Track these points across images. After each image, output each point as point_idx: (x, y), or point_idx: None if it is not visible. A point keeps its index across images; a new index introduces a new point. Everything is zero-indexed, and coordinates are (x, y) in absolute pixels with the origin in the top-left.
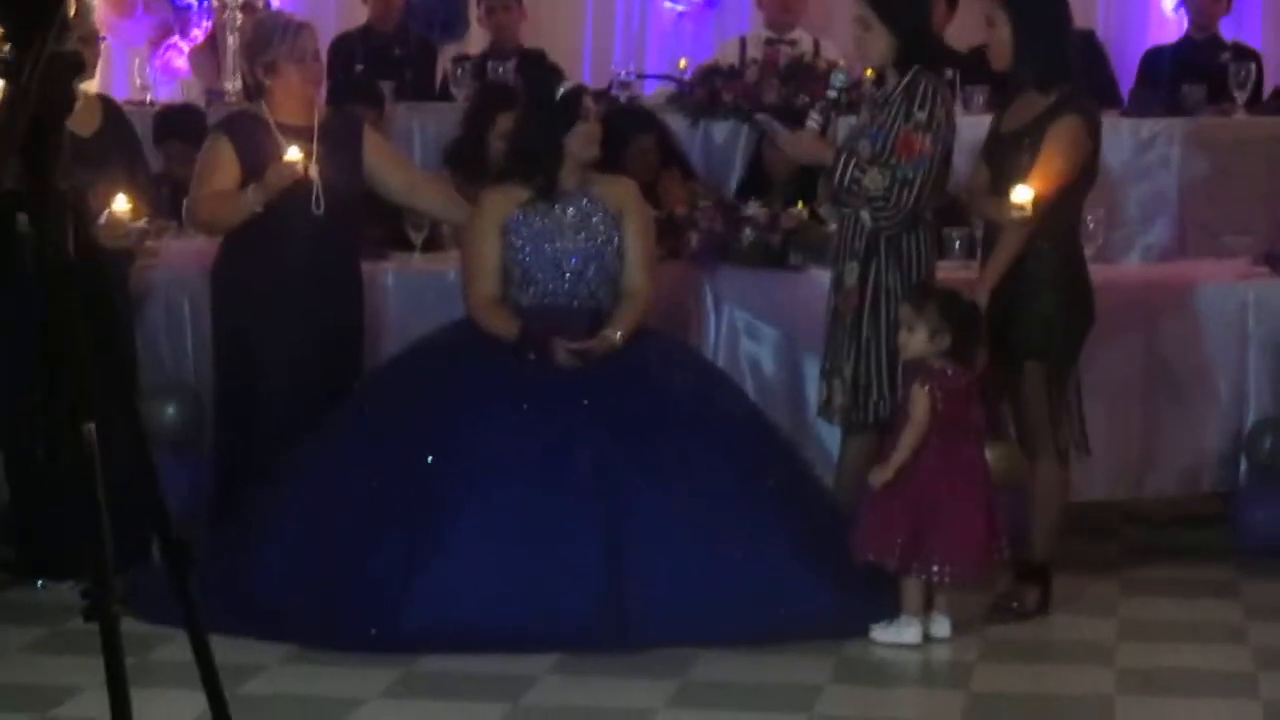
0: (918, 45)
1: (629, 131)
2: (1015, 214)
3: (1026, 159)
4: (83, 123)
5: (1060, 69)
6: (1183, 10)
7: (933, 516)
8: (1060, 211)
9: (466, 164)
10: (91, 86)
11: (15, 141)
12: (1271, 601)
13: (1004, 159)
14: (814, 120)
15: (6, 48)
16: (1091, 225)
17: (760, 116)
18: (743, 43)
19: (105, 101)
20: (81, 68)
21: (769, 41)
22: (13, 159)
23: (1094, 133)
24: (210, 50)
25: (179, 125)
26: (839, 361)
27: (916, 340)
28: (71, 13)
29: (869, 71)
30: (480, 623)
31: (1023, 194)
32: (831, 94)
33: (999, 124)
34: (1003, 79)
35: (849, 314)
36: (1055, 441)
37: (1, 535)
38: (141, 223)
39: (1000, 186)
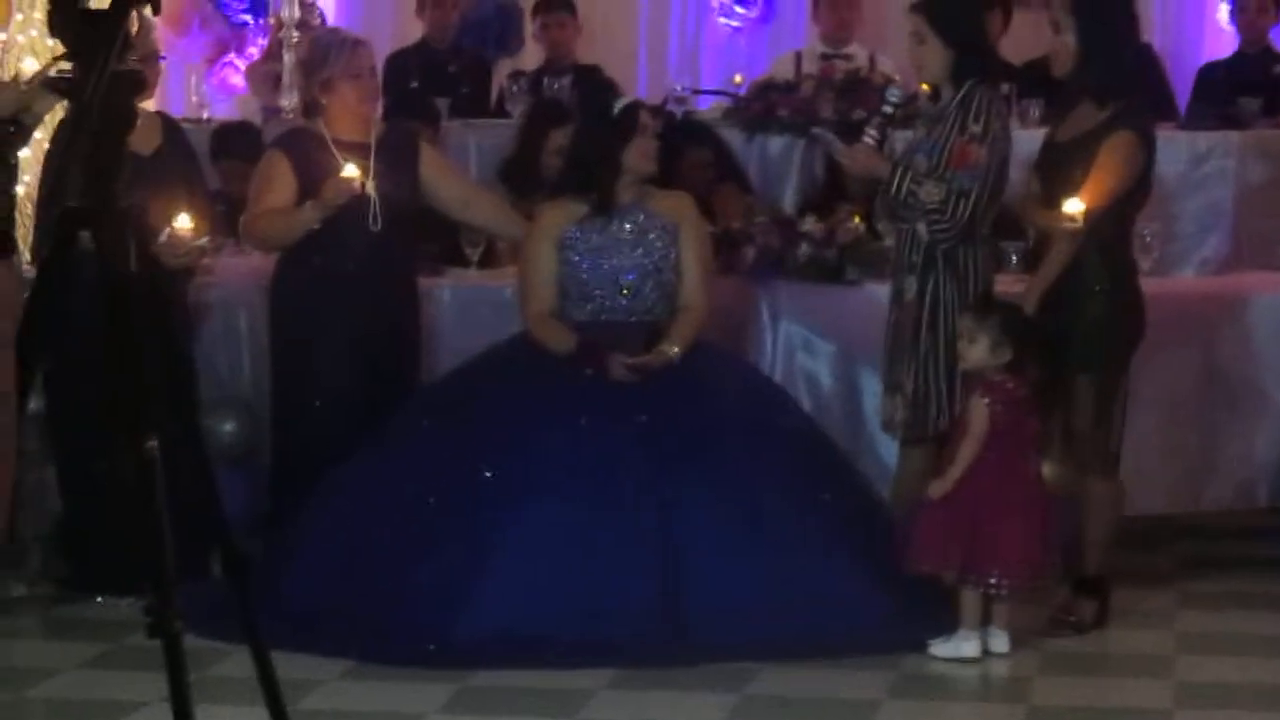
0: (973, 58)
1: (684, 145)
2: (1067, 225)
3: (1079, 171)
4: (143, 141)
5: (1120, 82)
6: (1234, 22)
7: (990, 528)
8: (1111, 224)
9: (520, 180)
10: (150, 104)
11: (79, 158)
12: None
13: (1057, 169)
14: (870, 135)
15: (70, 66)
16: (1148, 238)
17: (816, 131)
18: (798, 57)
19: (165, 119)
20: (143, 86)
21: (824, 56)
22: (76, 176)
23: (1148, 148)
24: (267, 67)
25: (235, 143)
26: (900, 376)
27: (977, 351)
28: (134, 31)
29: (925, 86)
30: (536, 637)
31: (1074, 205)
32: (887, 109)
33: (1054, 134)
34: (1058, 90)
35: (908, 327)
36: (1106, 454)
37: (57, 551)
38: (202, 240)
39: (1052, 197)
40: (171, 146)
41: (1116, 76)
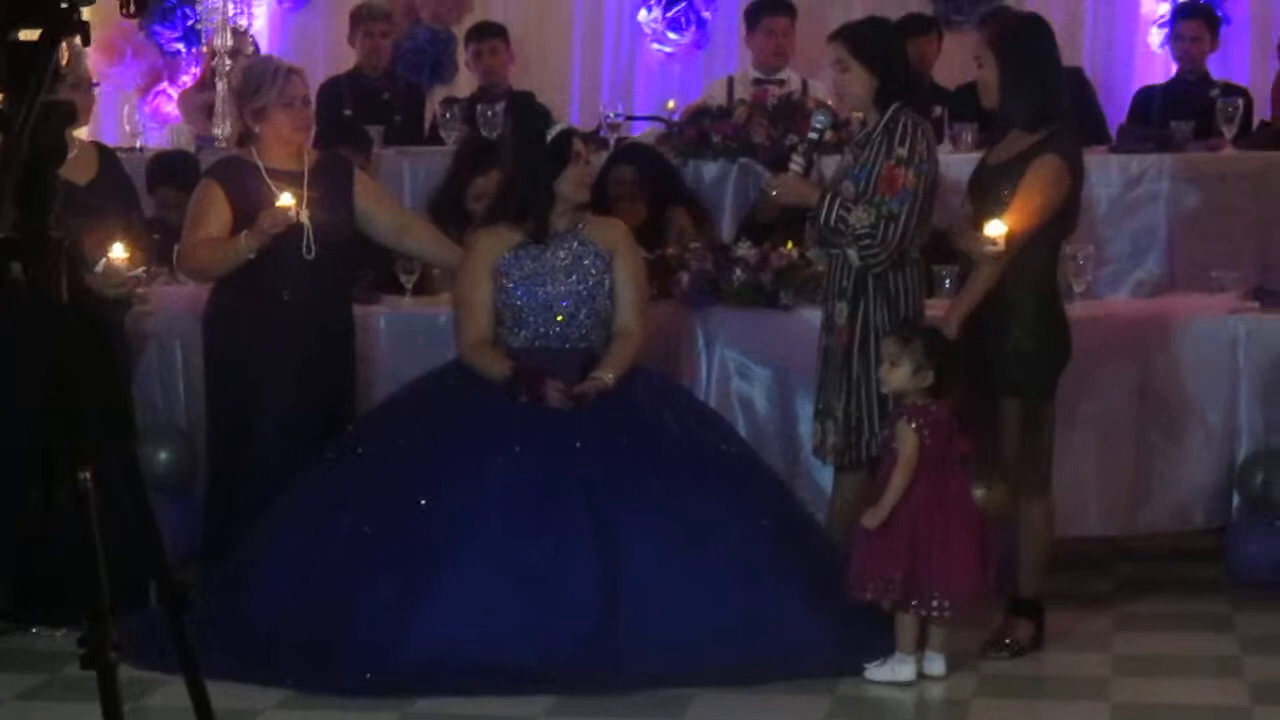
0: (896, 83)
1: (607, 164)
2: (988, 248)
3: (1007, 194)
4: (78, 170)
5: (1048, 109)
6: (1168, 48)
7: (928, 550)
8: (1036, 249)
9: (445, 219)
10: (84, 133)
11: (9, 189)
12: (1266, 635)
13: (988, 193)
14: (796, 163)
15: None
16: (1081, 261)
17: (743, 161)
18: (730, 82)
19: (100, 149)
20: (74, 116)
21: (757, 81)
22: (6, 207)
23: (1074, 173)
24: (200, 96)
25: (172, 171)
26: (831, 401)
27: (899, 376)
28: (64, 61)
29: (856, 113)
30: (475, 664)
31: (996, 228)
32: (813, 135)
33: (985, 157)
34: (992, 116)
35: (839, 353)
36: (1037, 477)
37: None
38: (138, 270)
39: (981, 221)
40: (107, 176)
41: (1043, 103)
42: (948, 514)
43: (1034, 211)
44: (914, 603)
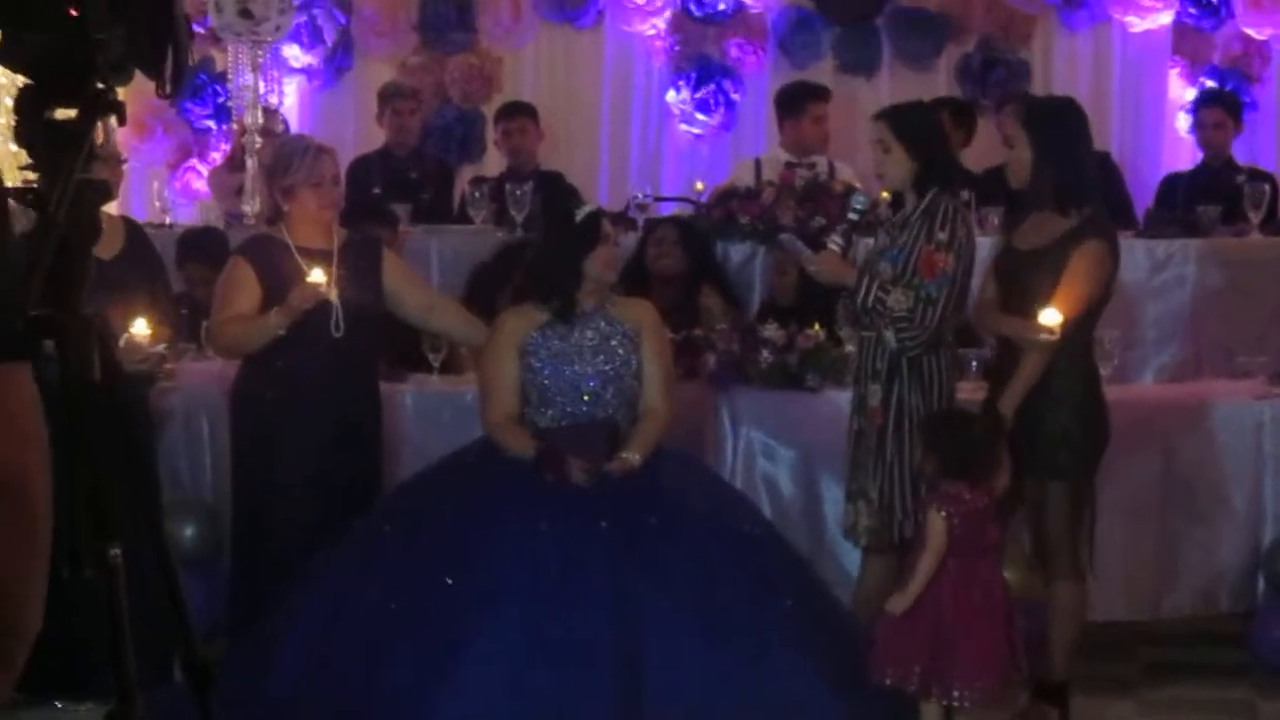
0: (936, 167)
1: (646, 230)
2: (1044, 336)
3: (1048, 280)
4: (104, 245)
5: (1079, 191)
6: (1194, 136)
7: (951, 640)
8: (1078, 332)
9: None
10: (113, 208)
11: (43, 268)
12: None
13: (1020, 277)
14: (835, 242)
15: (35, 176)
16: (1108, 345)
17: (784, 237)
18: (758, 164)
19: (128, 223)
20: (110, 195)
21: (787, 164)
22: (39, 285)
23: (1115, 255)
24: (229, 173)
25: (201, 248)
26: (864, 483)
27: (928, 465)
28: (99, 140)
29: (885, 194)
30: None
31: (1052, 317)
32: (853, 216)
33: (1010, 239)
34: (1017, 198)
35: (873, 435)
36: (1077, 560)
37: None
38: (160, 346)
39: (1015, 305)
40: (134, 250)
41: (1076, 186)
42: (974, 603)
43: (1083, 297)
44: (934, 691)
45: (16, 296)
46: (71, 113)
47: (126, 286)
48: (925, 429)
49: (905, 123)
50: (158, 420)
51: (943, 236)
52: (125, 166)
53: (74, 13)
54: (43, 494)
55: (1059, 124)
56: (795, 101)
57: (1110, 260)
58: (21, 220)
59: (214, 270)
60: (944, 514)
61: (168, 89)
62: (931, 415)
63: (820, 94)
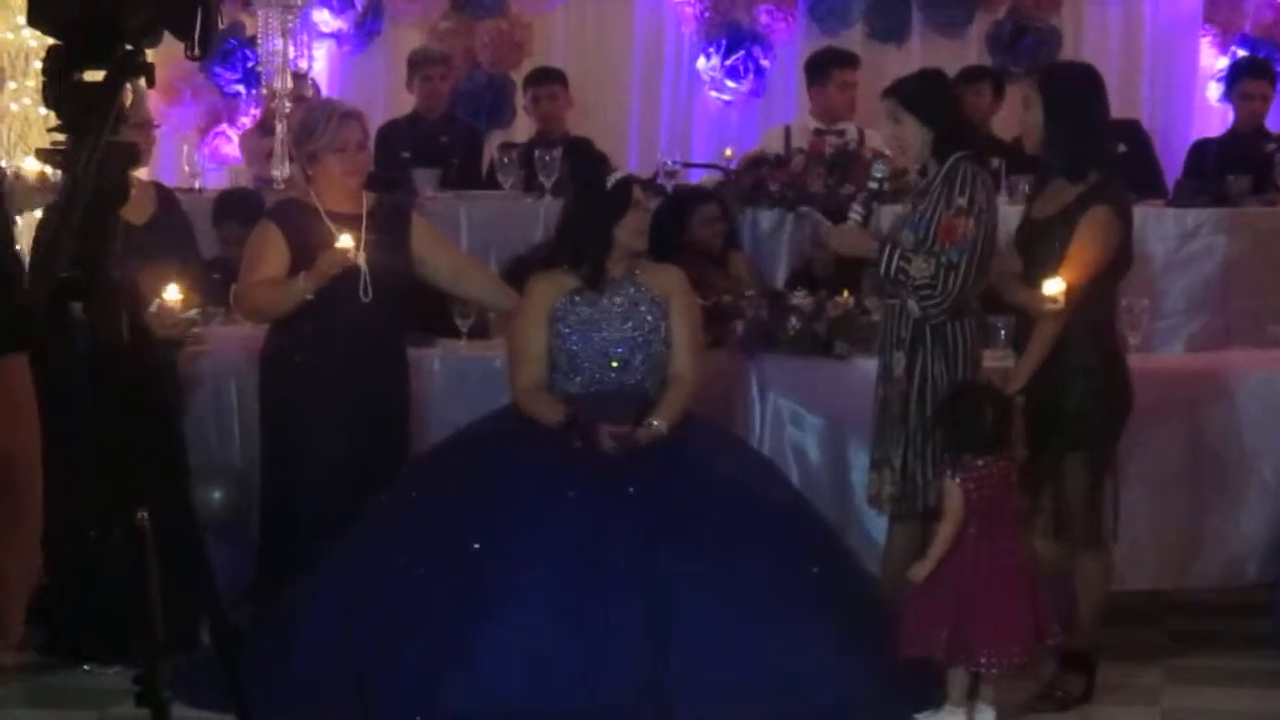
0: (952, 134)
1: (690, 202)
2: (1049, 305)
3: (1058, 248)
4: (136, 210)
5: (1089, 157)
6: (1226, 102)
7: (975, 608)
8: (1093, 300)
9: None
10: (144, 173)
11: (72, 230)
12: None
13: (1035, 247)
14: (856, 213)
15: (64, 138)
16: (1137, 314)
17: (804, 210)
18: (787, 131)
19: (159, 189)
20: (137, 157)
21: (817, 132)
22: (68, 246)
23: (1125, 221)
24: (259, 137)
25: (238, 207)
26: (888, 451)
27: (946, 440)
28: (127, 103)
29: (913, 164)
30: (524, 709)
31: (1054, 286)
32: (873, 185)
33: (1030, 211)
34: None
35: (896, 403)
36: (1099, 529)
37: (35, 618)
38: (191, 312)
39: (1032, 275)
40: (165, 217)
41: (1085, 151)
42: (997, 572)
43: (1089, 264)
44: (960, 658)
45: (16, 295)
46: (99, 75)
47: (157, 252)
48: (936, 408)
49: (913, 93)
50: (186, 385)
51: (961, 202)
52: (156, 131)
53: None
54: (30, 468)
55: (1072, 90)
56: (822, 68)
57: (1118, 226)
58: (48, 194)
59: (249, 229)
60: (959, 481)
61: (196, 50)
62: (944, 394)
63: (847, 60)
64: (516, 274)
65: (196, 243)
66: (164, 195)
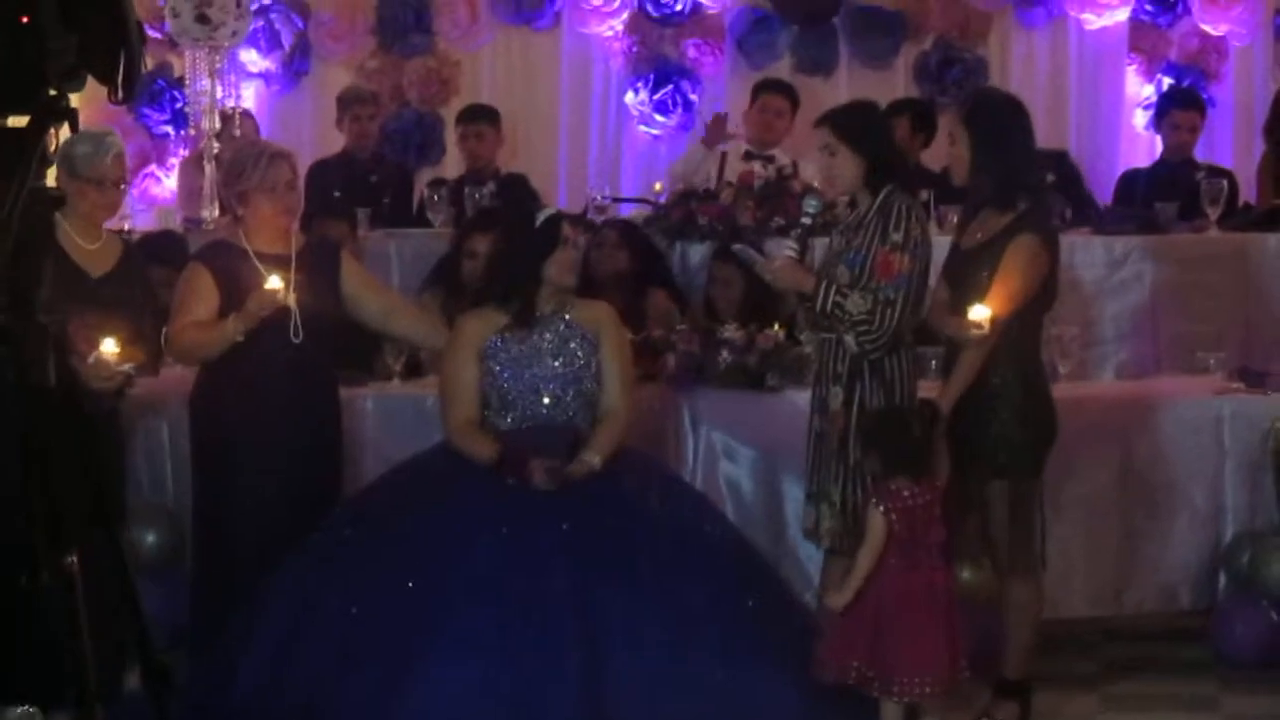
0: (886, 167)
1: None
2: (974, 332)
3: (985, 277)
4: (98, 262)
5: (1017, 185)
6: (1154, 131)
7: (892, 635)
8: (1018, 328)
9: (447, 280)
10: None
11: None
12: (1253, 716)
13: (963, 276)
14: (790, 248)
15: None
16: (1067, 342)
17: (737, 248)
18: (723, 157)
19: (126, 245)
20: (62, 202)
21: (747, 155)
22: None
23: (1051, 250)
24: (198, 166)
25: (162, 251)
26: (826, 485)
27: (871, 463)
28: (51, 149)
29: (842, 196)
30: None
31: (980, 312)
32: (806, 220)
33: (959, 239)
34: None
35: (834, 437)
36: (1027, 557)
37: None
38: (127, 366)
39: (959, 303)
40: (125, 270)
41: (1013, 180)
42: (916, 601)
43: (1015, 293)
44: (875, 687)
45: None
46: (23, 120)
47: (112, 305)
48: (865, 428)
49: (847, 123)
50: (121, 427)
51: (897, 237)
52: (123, 189)
53: (25, 20)
54: None
55: (997, 120)
56: (754, 92)
57: (1044, 254)
58: None
59: (174, 272)
60: (882, 509)
61: (120, 95)
62: (869, 414)
63: (773, 87)
64: (439, 278)
65: (157, 299)
66: (129, 250)
